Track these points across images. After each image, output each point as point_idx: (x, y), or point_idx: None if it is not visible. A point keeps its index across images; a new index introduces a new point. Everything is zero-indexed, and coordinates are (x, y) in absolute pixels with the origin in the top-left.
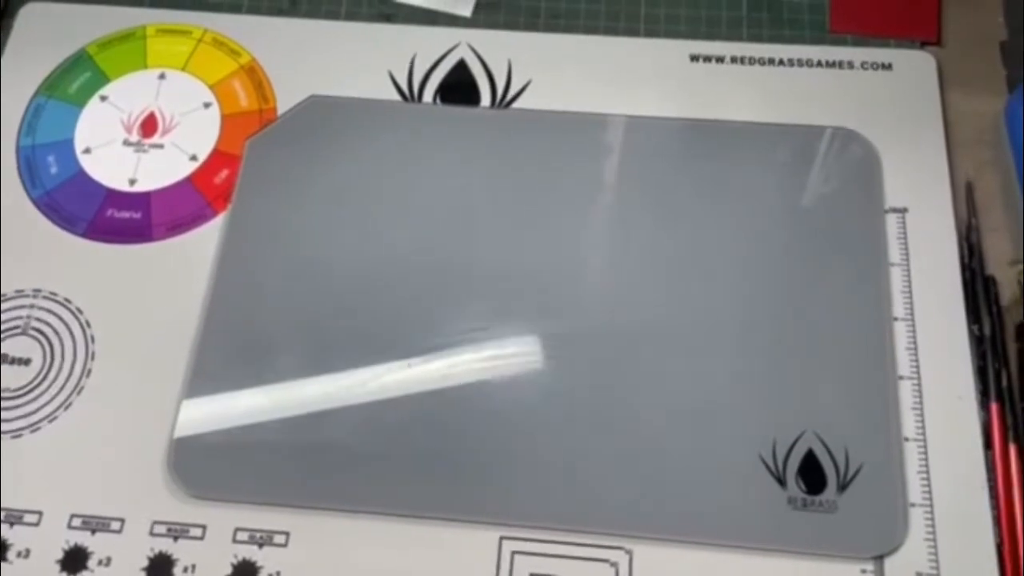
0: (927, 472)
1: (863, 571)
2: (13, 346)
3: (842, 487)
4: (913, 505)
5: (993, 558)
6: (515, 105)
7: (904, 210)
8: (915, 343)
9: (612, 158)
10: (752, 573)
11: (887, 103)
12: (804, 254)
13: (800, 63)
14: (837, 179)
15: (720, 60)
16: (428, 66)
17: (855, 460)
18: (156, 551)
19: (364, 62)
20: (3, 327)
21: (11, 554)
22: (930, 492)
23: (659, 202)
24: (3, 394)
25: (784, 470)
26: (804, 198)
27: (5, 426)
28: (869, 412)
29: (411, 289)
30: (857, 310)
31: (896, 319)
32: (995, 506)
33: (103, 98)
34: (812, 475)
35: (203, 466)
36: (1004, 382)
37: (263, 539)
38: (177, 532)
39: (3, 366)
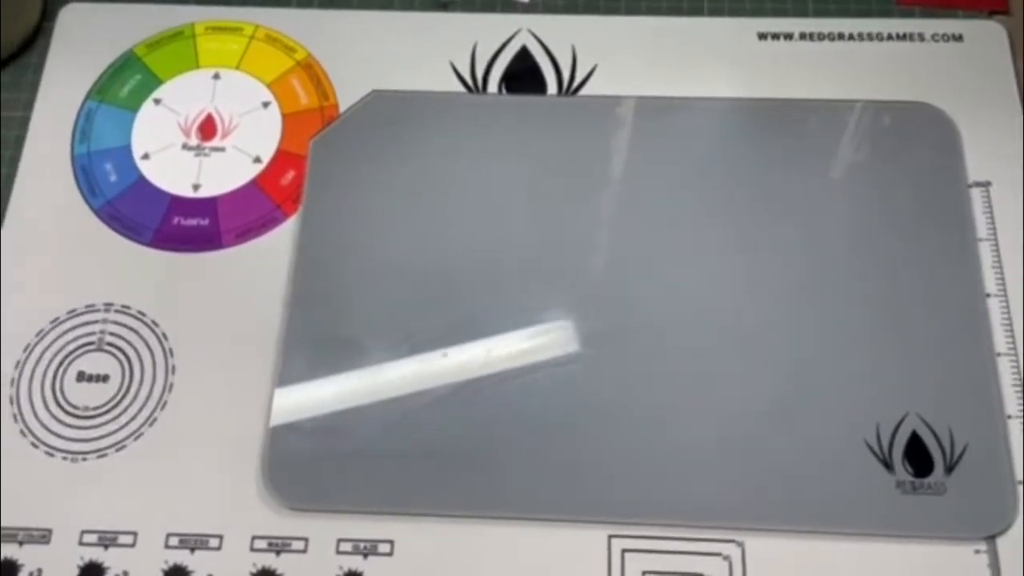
0: None
1: (976, 551)
2: (89, 363)
3: (949, 468)
4: (1021, 483)
5: None
6: (583, 92)
7: (988, 184)
8: (1010, 319)
9: (686, 142)
10: (865, 560)
11: (960, 75)
12: (889, 233)
13: (870, 37)
14: (917, 155)
15: (788, 37)
16: (490, 55)
17: (960, 440)
18: (259, 567)
19: (424, 53)
20: (77, 344)
21: None
22: None
23: (736, 185)
24: (83, 413)
25: (890, 454)
26: (884, 176)
27: (89, 446)
28: (970, 391)
29: (490, 281)
30: (949, 288)
31: (989, 295)
32: None
33: (157, 101)
34: (918, 458)
35: (299, 478)
36: None
37: (368, 549)
38: (279, 546)
39: (82, 384)
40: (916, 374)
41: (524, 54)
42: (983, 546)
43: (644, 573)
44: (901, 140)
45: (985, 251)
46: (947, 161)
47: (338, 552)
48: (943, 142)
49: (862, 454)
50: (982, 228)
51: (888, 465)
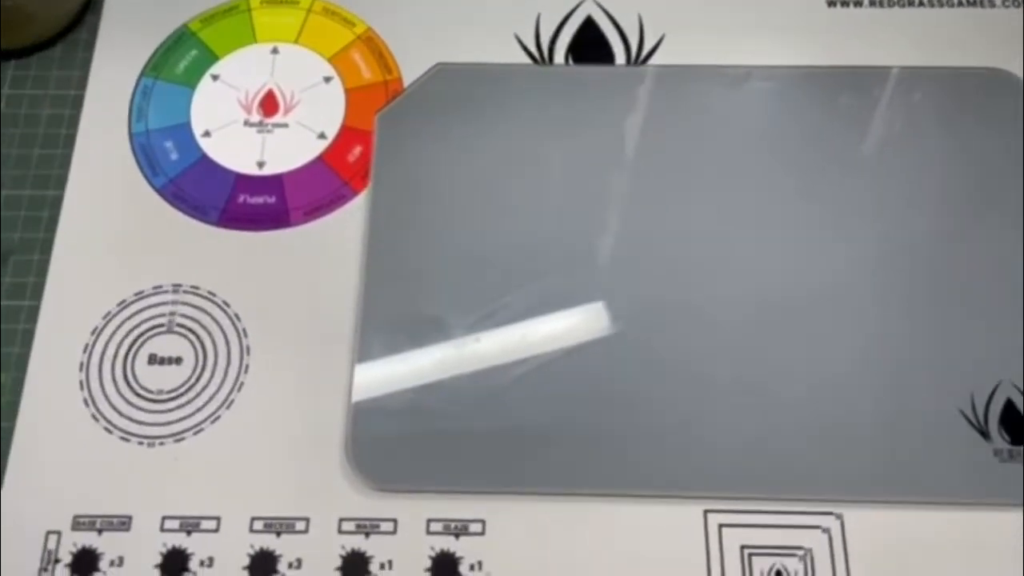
0: None
1: None
2: (160, 345)
3: None
4: None
5: None
6: (651, 61)
7: None
8: None
9: (756, 111)
10: (965, 529)
11: None
12: (970, 199)
13: (940, 3)
14: (990, 120)
15: (858, 4)
16: (555, 26)
17: None
18: (348, 549)
19: (487, 25)
20: (147, 326)
21: (193, 563)
22: None
23: (810, 154)
24: (157, 396)
25: (986, 422)
26: (960, 143)
27: (164, 430)
28: None
29: (568, 258)
30: None
31: None
32: None
33: (215, 77)
34: (1015, 425)
35: (384, 458)
36: None
37: (459, 528)
38: (367, 528)
39: (154, 367)
40: (1007, 342)
41: (589, 24)
42: None
43: (742, 548)
44: (974, 106)
45: None
46: (1021, 126)
47: (428, 532)
48: (1016, 108)
49: (958, 423)
50: None
51: (984, 433)
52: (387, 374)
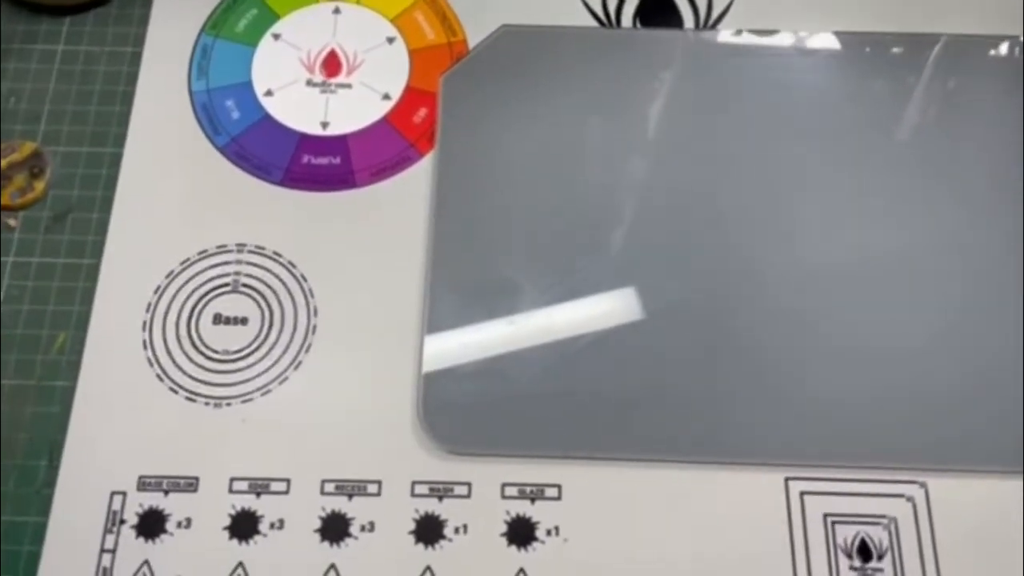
0: None
1: None
2: (225, 305)
3: None
4: None
5: None
6: (721, 25)
7: None
8: None
9: (828, 77)
10: None
11: None
12: (1009, 167)
13: None
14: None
15: None
16: None
17: None
18: (422, 512)
19: None
20: (211, 285)
21: (263, 525)
22: None
23: (874, 123)
24: (223, 356)
25: None
26: (1011, 111)
27: (230, 391)
28: None
29: (636, 221)
30: None
31: None
32: None
33: (276, 36)
34: None
35: (457, 421)
36: None
37: (534, 493)
38: (441, 491)
39: (219, 327)
40: None
41: None
42: None
43: (825, 516)
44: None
45: None
46: None
47: (503, 497)
48: None
49: None
50: None
51: None
52: (458, 338)
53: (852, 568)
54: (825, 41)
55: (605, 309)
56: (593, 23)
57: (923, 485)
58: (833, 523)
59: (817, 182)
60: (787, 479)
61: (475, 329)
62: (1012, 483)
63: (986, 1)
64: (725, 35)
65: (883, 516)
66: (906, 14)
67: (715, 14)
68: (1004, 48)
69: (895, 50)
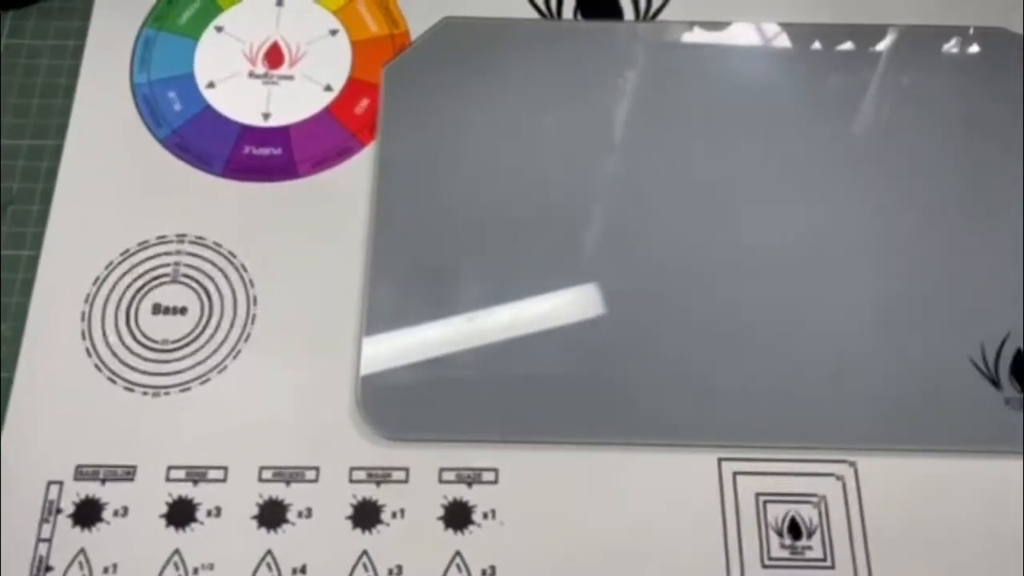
0: None
1: None
2: (165, 295)
3: None
4: None
5: None
6: (661, 17)
7: None
8: None
9: (764, 68)
10: (977, 477)
11: None
12: (976, 155)
13: None
14: (993, 77)
15: None
16: None
17: None
18: (359, 497)
19: None
20: (151, 276)
21: (200, 513)
22: None
23: (816, 112)
24: (162, 346)
25: (996, 371)
26: (963, 98)
27: (169, 380)
28: None
29: (575, 209)
30: None
31: None
32: None
33: (219, 29)
34: None
35: (395, 407)
36: None
37: (471, 477)
38: (379, 477)
39: (158, 317)
40: (1015, 293)
41: None
42: None
43: (757, 495)
44: (977, 64)
45: None
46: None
47: (441, 481)
48: (1018, 65)
49: (969, 372)
50: None
51: (995, 382)
52: (397, 327)
53: (783, 546)
54: (767, 32)
55: (542, 298)
56: (535, 15)
57: (852, 464)
58: (765, 502)
59: (756, 171)
60: (720, 460)
61: (414, 318)
62: (938, 461)
63: None
64: (665, 26)
65: (813, 495)
66: (841, 4)
67: (655, 5)
68: (949, 39)
69: (835, 40)
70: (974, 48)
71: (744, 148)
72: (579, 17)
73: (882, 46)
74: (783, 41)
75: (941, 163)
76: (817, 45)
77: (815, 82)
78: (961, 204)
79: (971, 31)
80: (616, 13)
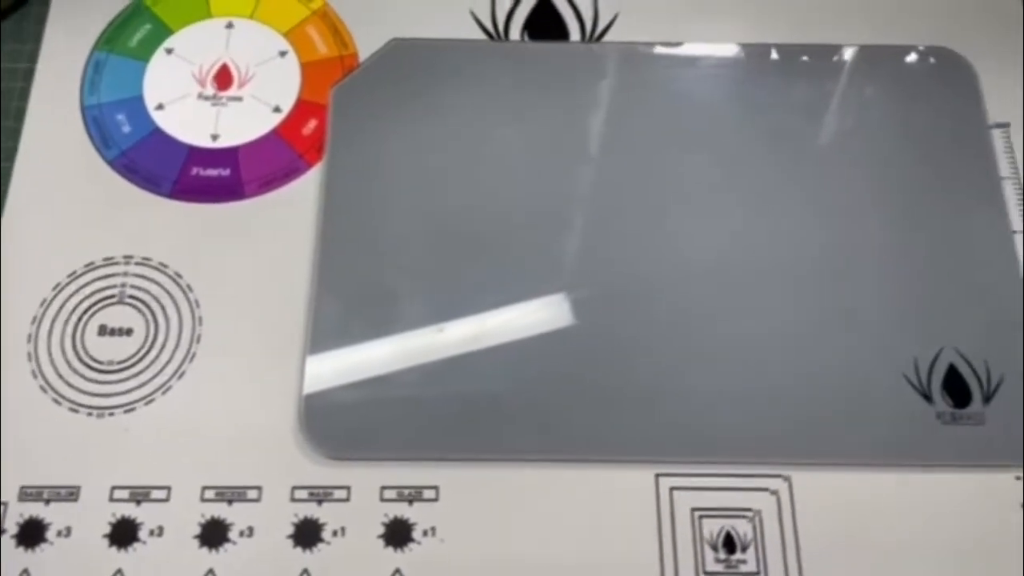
0: None
1: (1016, 478)
2: (111, 316)
3: (987, 398)
4: None
5: None
6: (606, 39)
7: (1007, 125)
8: None
9: (707, 87)
10: (910, 489)
11: (977, 20)
12: (916, 174)
13: None
14: (938, 98)
15: None
16: (511, 3)
17: (996, 371)
18: (301, 516)
19: (442, 1)
20: (97, 298)
21: (143, 533)
22: None
23: (762, 130)
24: (107, 367)
25: (929, 386)
26: (907, 118)
27: (114, 400)
28: (1003, 324)
29: (519, 231)
30: (977, 227)
31: (1015, 232)
32: None
33: (169, 51)
34: (957, 389)
35: (337, 426)
36: None
37: (412, 495)
38: (320, 496)
39: (104, 338)
40: (950, 310)
41: (545, 2)
42: (1023, 472)
43: (693, 510)
44: (922, 83)
45: (1009, 189)
46: (967, 103)
47: (382, 500)
48: (962, 85)
49: (902, 388)
50: (1004, 167)
51: (928, 397)
52: (341, 348)
53: (717, 560)
54: (709, 51)
55: (482, 317)
56: (482, 36)
57: (787, 479)
58: (700, 517)
59: (697, 188)
60: (658, 475)
61: (357, 339)
62: (870, 475)
63: (861, 14)
64: (610, 47)
65: (748, 509)
66: (791, 25)
67: (600, 26)
68: (895, 58)
69: (777, 59)
70: (920, 67)
71: (686, 164)
72: (526, 38)
73: (829, 65)
74: (730, 60)
75: (883, 181)
76: (766, 64)
77: (764, 100)
78: (899, 223)
79: (918, 50)
80: (562, 34)
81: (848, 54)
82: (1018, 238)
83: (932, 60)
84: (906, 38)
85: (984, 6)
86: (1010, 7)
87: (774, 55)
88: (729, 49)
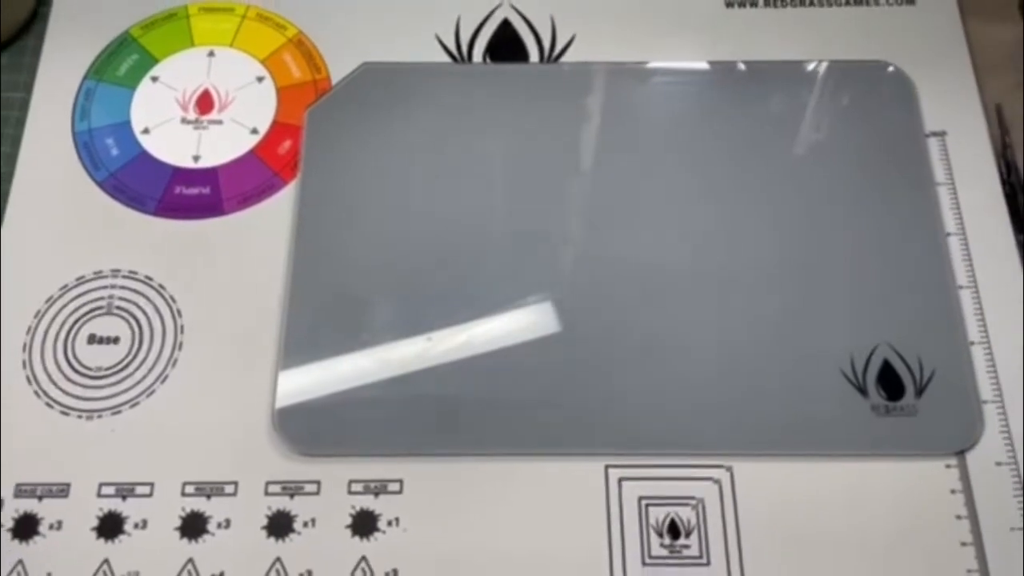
0: (995, 371)
1: (947, 466)
2: (99, 326)
3: (919, 391)
4: (985, 402)
5: None
6: (563, 59)
7: (943, 133)
8: (969, 255)
9: (661, 105)
10: (846, 478)
11: (914, 35)
12: (855, 181)
13: (830, 3)
14: (877, 109)
15: (754, 4)
16: (474, 27)
17: (928, 366)
18: (274, 509)
19: (410, 27)
20: (87, 309)
21: (128, 526)
22: (1000, 389)
23: (710, 140)
24: (96, 373)
25: (864, 381)
26: (847, 129)
27: (102, 403)
28: (935, 321)
29: (483, 244)
30: (912, 229)
31: (949, 234)
32: None
33: (154, 79)
34: (890, 383)
35: (309, 425)
36: None
37: (378, 488)
38: (292, 489)
39: (93, 346)
40: (885, 308)
41: (506, 25)
42: (953, 461)
43: (640, 499)
44: (862, 96)
45: (944, 194)
46: (905, 114)
47: (350, 492)
48: (901, 97)
49: (839, 382)
50: (940, 173)
51: (863, 391)
52: (312, 353)
53: (662, 545)
54: (662, 66)
55: (443, 324)
56: (447, 59)
57: (729, 469)
58: (647, 505)
59: (645, 198)
60: (607, 466)
61: (327, 344)
62: (808, 464)
63: (802, 33)
64: (566, 67)
65: (691, 498)
66: (738, 45)
67: (558, 48)
68: (834, 73)
69: (727, 77)
70: (862, 80)
71: (636, 180)
72: (488, 60)
73: (777, 81)
74: (681, 78)
75: (826, 188)
76: (718, 79)
77: (715, 114)
78: (839, 226)
79: (861, 64)
80: (522, 56)
81: (795, 70)
82: (951, 240)
83: (874, 75)
84: (850, 53)
85: (923, 22)
86: (948, 22)
87: (723, 72)
88: (678, 68)
